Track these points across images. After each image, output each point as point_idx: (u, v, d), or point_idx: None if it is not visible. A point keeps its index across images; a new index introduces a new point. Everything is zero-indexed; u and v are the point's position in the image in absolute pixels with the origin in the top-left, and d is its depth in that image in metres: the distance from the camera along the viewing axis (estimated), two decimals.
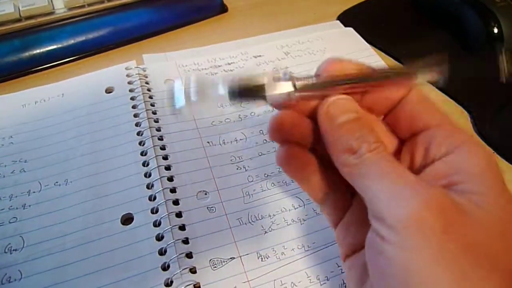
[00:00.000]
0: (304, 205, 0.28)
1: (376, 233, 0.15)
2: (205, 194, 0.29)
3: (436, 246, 0.13)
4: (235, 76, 0.17)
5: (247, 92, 0.17)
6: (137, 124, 0.32)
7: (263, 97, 0.17)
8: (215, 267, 0.25)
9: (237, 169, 0.30)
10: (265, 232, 0.27)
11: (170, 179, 0.29)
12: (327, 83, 0.17)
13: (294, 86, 0.17)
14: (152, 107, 0.33)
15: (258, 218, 0.28)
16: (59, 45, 0.39)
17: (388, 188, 0.15)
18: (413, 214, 0.14)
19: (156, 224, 0.27)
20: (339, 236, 0.20)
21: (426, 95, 0.18)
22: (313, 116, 0.18)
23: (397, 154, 0.19)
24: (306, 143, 0.19)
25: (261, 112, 0.34)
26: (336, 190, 0.20)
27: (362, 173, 0.16)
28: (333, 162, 0.17)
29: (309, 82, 0.17)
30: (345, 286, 0.25)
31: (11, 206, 0.27)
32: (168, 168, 0.30)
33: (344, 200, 0.20)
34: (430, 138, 0.17)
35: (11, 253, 0.25)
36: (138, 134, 0.31)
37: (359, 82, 0.17)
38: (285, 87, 0.17)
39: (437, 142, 0.17)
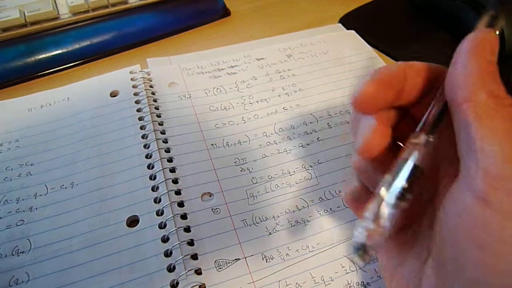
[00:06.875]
0: (308, 206, 0.29)
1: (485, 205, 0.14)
2: (210, 196, 0.29)
3: None
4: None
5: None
6: (141, 127, 0.33)
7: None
8: (220, 268, 0.25)
9: (241, 171, 0.30)
10: (270, 233, 0.27)
11: (175, 181, 0.29)
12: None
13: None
14: (157, 110, 0.34)
15: (262, 220, 0.28)
16: (64, 50, 0.40)
17: None
18: None
19: (162, 226, 0.27)
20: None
21: None
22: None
23: None
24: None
25: (264, 114, 0.35)
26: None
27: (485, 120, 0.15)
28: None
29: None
30: (350, 286, 0.25)
31: (18, 209, 0.28)
32: (173, 170, 0.30)
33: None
34: None
35: (18, 256, 0.25)
36: (143, 137, 0.32)
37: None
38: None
39: None
